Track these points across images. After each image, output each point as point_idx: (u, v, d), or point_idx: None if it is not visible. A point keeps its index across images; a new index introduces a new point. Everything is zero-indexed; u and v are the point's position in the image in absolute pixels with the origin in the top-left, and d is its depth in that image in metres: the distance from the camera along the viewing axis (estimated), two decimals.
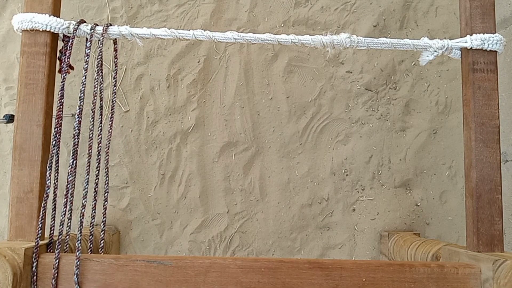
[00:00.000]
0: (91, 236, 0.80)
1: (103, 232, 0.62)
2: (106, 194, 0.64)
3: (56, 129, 0.65)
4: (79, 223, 0.63)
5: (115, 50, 0.68)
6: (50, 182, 0.63)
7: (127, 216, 1.04)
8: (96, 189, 0.65)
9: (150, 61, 1.07)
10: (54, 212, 0.65)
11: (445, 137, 1.09)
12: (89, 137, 0.66)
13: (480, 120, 0.69)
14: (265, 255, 1.05)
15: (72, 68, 0.69)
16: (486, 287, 0.60)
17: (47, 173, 0.63)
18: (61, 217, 0.64)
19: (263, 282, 0.60)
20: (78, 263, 0.59)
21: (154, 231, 1.04)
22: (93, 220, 0.65)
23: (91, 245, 0.80)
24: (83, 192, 0.64)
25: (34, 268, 0.59)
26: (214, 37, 0.69)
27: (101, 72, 0.67)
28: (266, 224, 1.06)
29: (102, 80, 0.67)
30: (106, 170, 0.64)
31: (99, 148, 0.66)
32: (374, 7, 1.10)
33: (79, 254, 0.59)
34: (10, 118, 0.90)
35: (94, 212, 0.65)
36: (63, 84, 0.66)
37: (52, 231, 0.65)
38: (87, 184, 0.64)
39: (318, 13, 1.10)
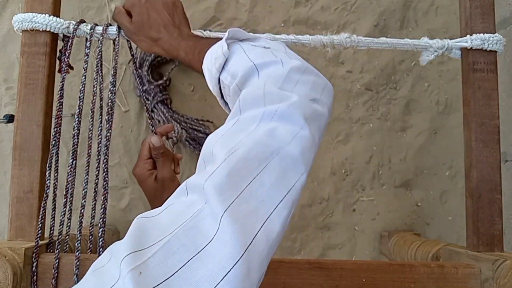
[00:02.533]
0: (90, 236, 0.80)
1: (103, 232, 0.62)
2: (106, 194, 0.63)
3: (55, 129, 0.65)
4: (78, 223, 0.63)
5: (115, 50, 0.68)
6: (50, 182, 0.63)
7: (127, 216, 1.04)
8: (96, 189, 0.65)
9: None
10: (54, 212, 0.65)
11: (446, 137, 1.09)
12: (89, 137, 0.66)
13: (480, 120, 0.69)
14: None
15: (71, 68, 0.69)
16: (486, 287, 0.60)
17: (47, 173, 0.63)
18: (61, 217, 0.64)
19: (263, 282, 0.60)
20: (78, 263, 0.59)
21: None
22: (92, 220, 0.65)
23: (91, 245, 0.80)
24: (83, 192, 0.64)
25: (34, 268, 0.59)
26: (213, 37, 0.69)
27: (101, 72, 0.67)
28: None
29: (102, 80, 0.67)
30: (106, 170, 0.64)
31: (99, 148, 0.66)
32: (374, 7, 1.10)
33: (78, 254, 0.59)
34: (10, 118, 0.90)
35: (94, 212, 0.65)
36: (63, 84, 0.66)
37: (52, 231, 0.65)
38: (87, 184, 0.64)
39: (318, 13, 1.09)
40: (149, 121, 0.77)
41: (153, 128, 0.73)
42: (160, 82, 1.01)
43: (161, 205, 0.75)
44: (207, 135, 1.01)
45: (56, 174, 0.65)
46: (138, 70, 1.01)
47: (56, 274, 0.59)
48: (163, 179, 0.70)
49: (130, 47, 0.72)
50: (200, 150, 0.99)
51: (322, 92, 0.43)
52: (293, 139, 0.36)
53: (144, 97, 0.87)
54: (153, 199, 0.73)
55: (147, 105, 0.84)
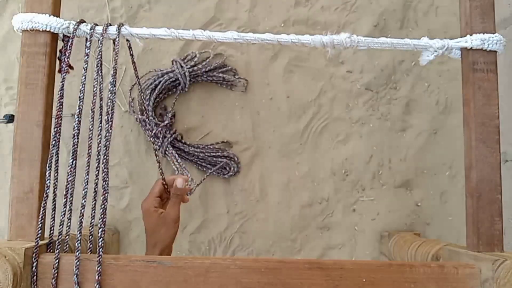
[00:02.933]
0: (91, 236, 0.80)
1: (102, 232, 0.62)
2: (106, 194, 0.63)
3: (55, 129, 0.65)
4: (78, 223, 0.63)
5: (115, 50, 0.68)
6: (50, 182, 0.63)
7: (127, 216, 1.04)
8: (96, 189, 0.65)
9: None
10: (54, 212, 0.65)
11: (445, 137, 1.09)
12: (89, 137, 0.66)
13: (480, 120, 0.69)
14: (265, 255, 1.05)
15: (72, 68, 0.69)
16: (486, 287, 0.60)
17: (47, 173, 0.63)
18: (61, 217, 0.64)
19: (263, 282, 0.60)
20: (78, 263, 0.59)
21: None
22: (92, 220, 0.65)
23: (91, 245, 0.80)
24: (83, 192, 0.64)
25: (34, 268, 0.59)
26: (214, 37, 0.69)
27: (101, 72, 0.67)
28: (266, 224, 1.06)
29: (102, 80, 0.67)
30: (106, 170, 0.64)
31: (99, 148, 0.66)
32: (374, 7, 1.10)
33: (79, 254, 0.59)
34: (10, 118, 0.90)
35: (94, 212, 0.65)
36: (63, 84, 0.66)
37: (52, 231, 0.65)
38: (87, 184, 0.64)
39: (318, 12, 1.09)
40: (159, 167, 0.81)
41: (161, 171, 0.81)
42: (166, 122, 1.00)
43: (156, 241, 0.78)
44: (226, 157, 1.03)
45: (56, 174, 0.65)
46: (145, 113, 1.01)
47: (56, 274, 0.59)
48: (168, 217, 0.77)
49: (130, 47, 0.72)
50: (224, 175, 1.01)
51: None
52: None
53: (154, 141, 0.88)
54: (152, 233, 0.79)
55: (156, 149, 0.87)
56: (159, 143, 1.00)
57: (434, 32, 1.10)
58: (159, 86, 1.01)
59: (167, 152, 1.01)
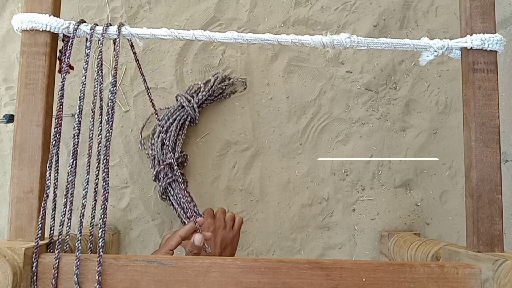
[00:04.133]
0: (91, 236, 0.80)
1: (103, 232, 0.62)
2: (106, 194, 0.63)
3: (56, 129, 0.65)
4: (79, 223, 0.63)
5: (115, 50, 0.68)
6: (50, 182, 0.63)
7: (127, 216, 1.04)
8: (96, 189, 0.65)
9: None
10: (54, 212, 0.65)
11: (445, 137, 1.09)
12: (89, 137, 0.66)
13: (480, 120, 0.69)
14: (265, 255, 1.05)
15: (72, 68, 0.69)
16: (486, 287, 0.60)
17: (47, 173, 0.63)
18: (61, 217, 0.64)
19: (263, 282, 0.60)
20: (78, 263, 0.59)
21: (154, 231, 1.04)
22: (93, 220, 0.65)
23: (91, 245, 0.80)
24: (83, 192, 0.64)
25: (34, 268, 0.59)
26: (214, 37, 0.69)
27: (101, 72, 0.67)
28: (266, 224, 1.06)
29: (102, 80, 0.67)
30: (106, 170, 0.64)
31: (99, 148, 0.66)
32: (374, 7, 1.10)
33: (79, 254, 0.59)
34: (10, 118, 0.90)
35: (94, 212, 0.65)
36: (63, 84, 0.66)
37: (52, 231, 0.65)
38: (87, 184, 0.64)
39: (318, 13, 1.10)
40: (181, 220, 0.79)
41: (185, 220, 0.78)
42: (169, 161, 0.93)
43: None
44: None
45: (56, 174, 0.65)
46: (153, 144, 0.98)
47: (56, 274, 0.59)
48: None
49: (132, 45, 0.72)
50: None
51: None
52: None
53: (157, 182, 0.86)
54: None
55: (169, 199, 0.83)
56: (160, 183, 0.95)
57: (434, 32, 1.10)
58: (174, 126, 0.97)
59: (163, 198, 0.98)
